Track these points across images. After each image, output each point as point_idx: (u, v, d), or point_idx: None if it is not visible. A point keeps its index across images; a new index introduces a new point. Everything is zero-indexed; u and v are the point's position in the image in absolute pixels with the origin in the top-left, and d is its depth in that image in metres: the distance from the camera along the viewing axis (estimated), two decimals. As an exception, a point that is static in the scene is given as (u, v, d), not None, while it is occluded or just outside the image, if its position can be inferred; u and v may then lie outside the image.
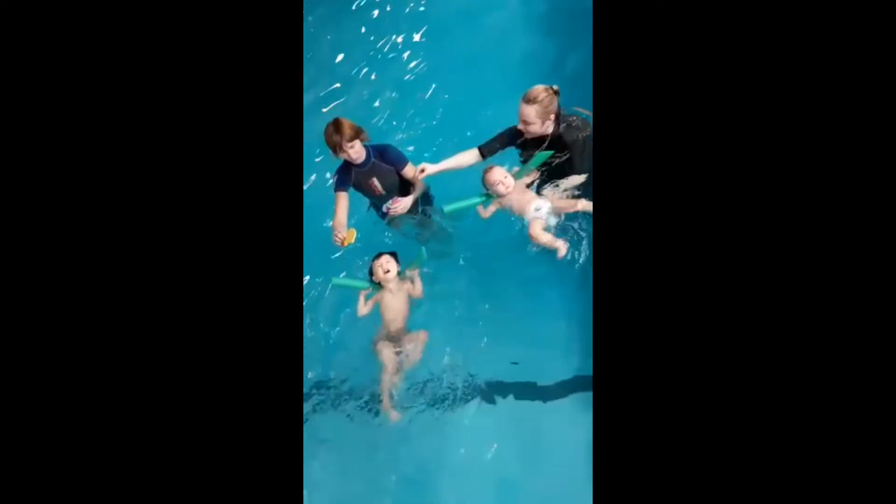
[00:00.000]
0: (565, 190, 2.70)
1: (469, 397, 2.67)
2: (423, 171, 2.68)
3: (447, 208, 2.81)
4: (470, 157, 2.76)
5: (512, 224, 2.77)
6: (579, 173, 2.68)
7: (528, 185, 2.77)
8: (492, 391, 2.67)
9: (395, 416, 2.62)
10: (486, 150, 2.76)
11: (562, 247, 2.50)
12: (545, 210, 2.64)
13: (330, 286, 2.96)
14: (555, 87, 2.52)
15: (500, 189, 2.69)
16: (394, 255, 2.84)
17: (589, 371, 2.39)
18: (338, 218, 2.74)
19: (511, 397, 2.66)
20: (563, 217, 2.67)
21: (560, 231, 2.65)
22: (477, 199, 2.78)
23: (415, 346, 2.72)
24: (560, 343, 2.72)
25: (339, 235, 2.62)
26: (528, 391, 2.66)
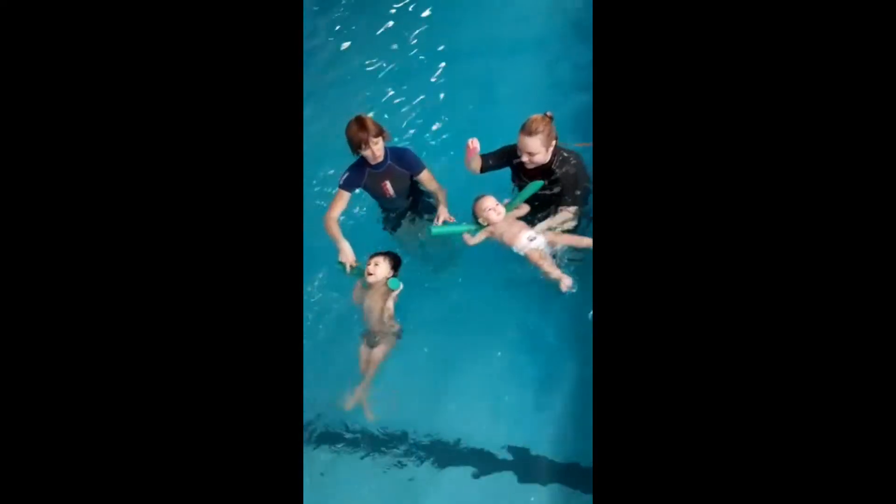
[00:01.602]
0: (561, 224, 2.65)
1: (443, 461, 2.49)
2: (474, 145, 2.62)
3: (434, 230, 2.74)
4: (475, 161, 2.72)
5: (499, 258, 2.67)
6: (569, 206, 2.65)
7: (519, 218, 2.72)
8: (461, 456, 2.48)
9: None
10: (486, 162, 2.72)
11: (566, 280, 2.48)
12: (540, 241, 2.58)
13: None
14: (549, 112, 2.49)
15: (492, 216, 2.65)
16: (392, 260, 2.79)
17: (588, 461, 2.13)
18: (330, 214, 2.74)
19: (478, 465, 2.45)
20: (558, 249, 2.61)
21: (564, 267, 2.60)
22: (465, 227, 2.73)
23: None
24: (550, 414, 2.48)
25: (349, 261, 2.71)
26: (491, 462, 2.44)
